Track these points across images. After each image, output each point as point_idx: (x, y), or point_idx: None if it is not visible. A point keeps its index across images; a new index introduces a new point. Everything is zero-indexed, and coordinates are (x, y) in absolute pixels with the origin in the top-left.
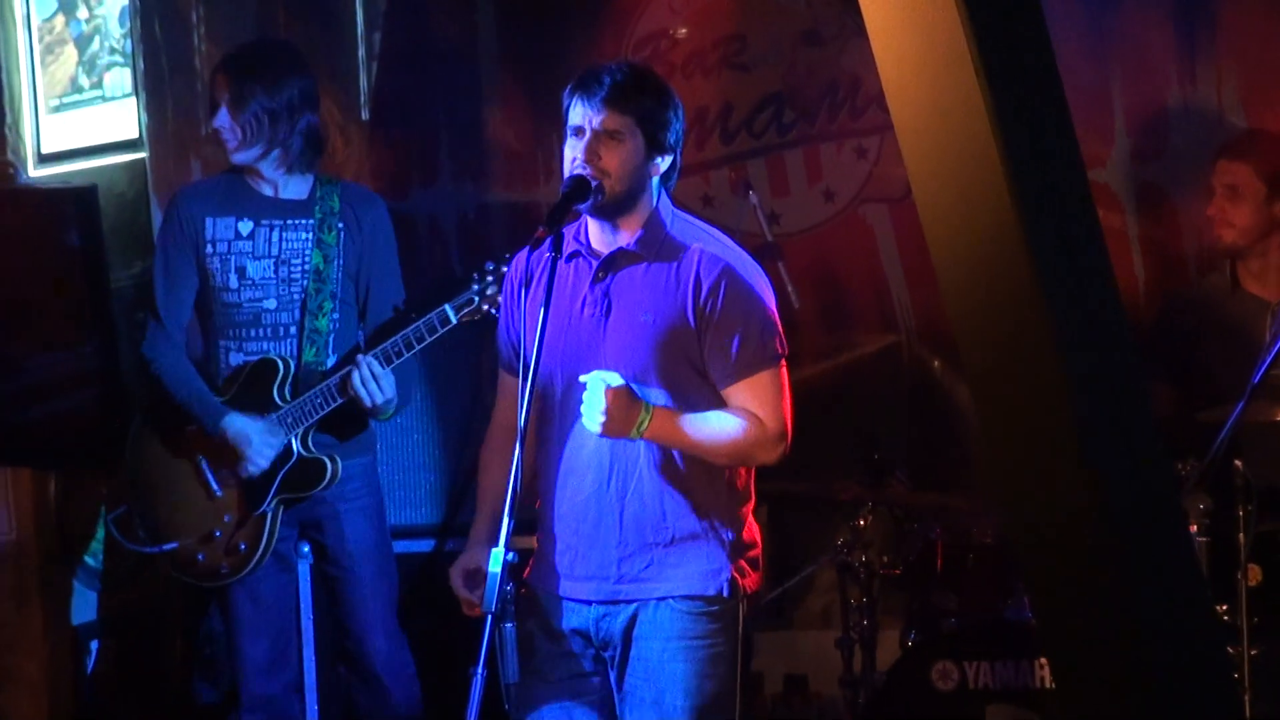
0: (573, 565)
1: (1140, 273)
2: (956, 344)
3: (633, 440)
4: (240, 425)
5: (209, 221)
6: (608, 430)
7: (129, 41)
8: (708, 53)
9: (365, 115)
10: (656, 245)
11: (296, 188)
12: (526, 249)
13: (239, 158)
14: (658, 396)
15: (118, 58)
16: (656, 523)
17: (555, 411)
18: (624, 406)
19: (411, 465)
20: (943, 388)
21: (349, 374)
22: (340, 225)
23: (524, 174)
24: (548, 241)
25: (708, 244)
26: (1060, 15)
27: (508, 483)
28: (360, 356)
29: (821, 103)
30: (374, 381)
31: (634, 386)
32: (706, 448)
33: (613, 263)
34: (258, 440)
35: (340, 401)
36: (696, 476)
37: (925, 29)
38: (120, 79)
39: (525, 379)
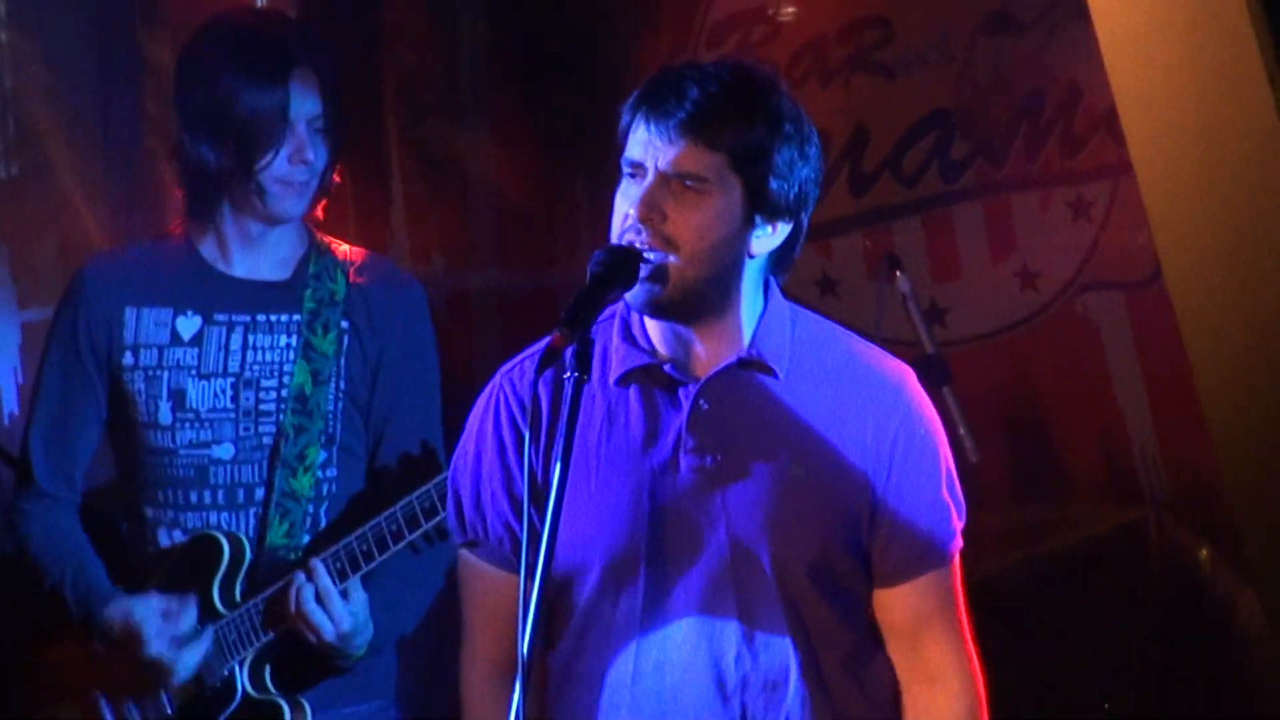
0: None
1: None
2: (1236, 522)
3: (781, 665)
4: (129, 607)
5: (130, 315)
6: None
7: None
8: (830, 47)
9: None
10: (785, 356)
11: (276, 256)
12: (527, 363)
13: (302, 206)
14: (814, 608)
15: None
16: None
17: (621, 628)
18: None
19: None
20: (1213, 593)
21: (283, 590)
22: (345, 324)
23: (531, 243)
24: (569, 354)
25: (865, 360)
26: None
27: None
28: (311, 561)
29: (1015, 128)
30: (314, 605)
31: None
32: None
33: (722, 384)
34: (153, 627)
35: (271, 635)
36: (865, 713)
37: (1185, 9)
38: None
39: (533, 579)
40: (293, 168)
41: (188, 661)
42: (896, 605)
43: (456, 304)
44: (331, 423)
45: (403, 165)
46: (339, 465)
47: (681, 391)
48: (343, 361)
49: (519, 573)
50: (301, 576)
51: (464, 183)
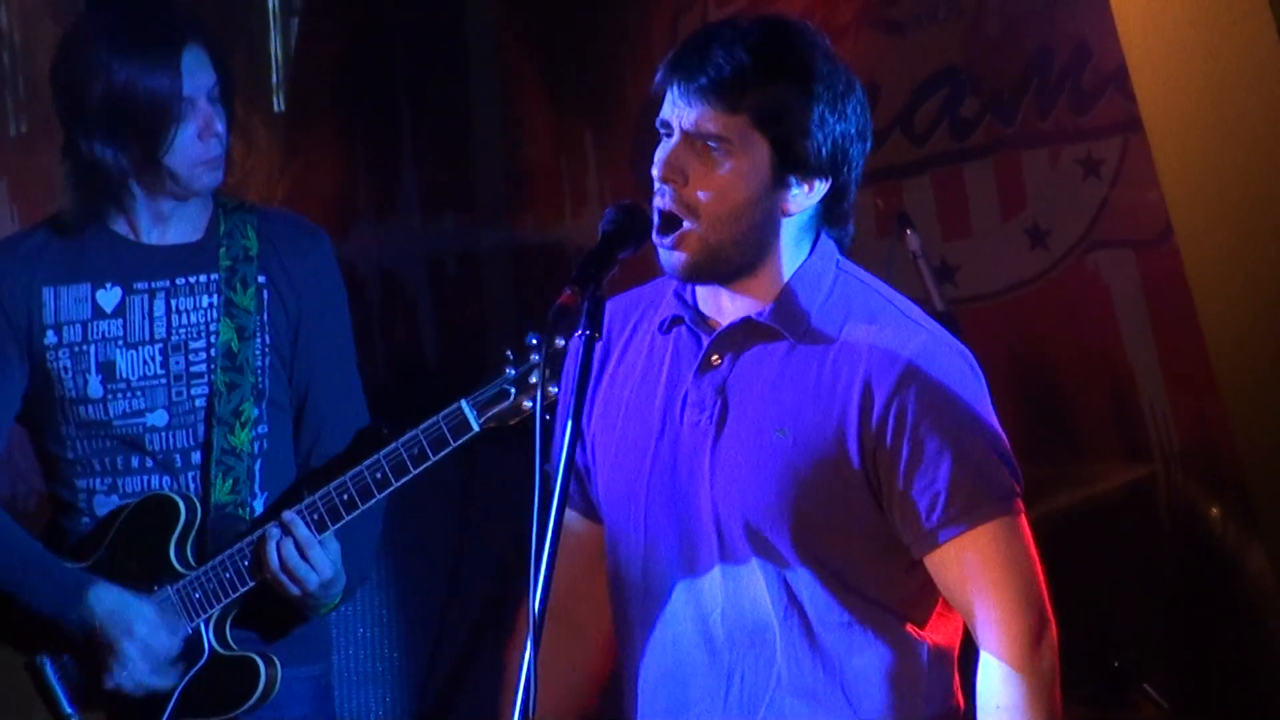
0: None
1: None
2: (1246, 479)
3: (763, 622)
4: (114, 601)
5: (47, 294)
6: None
7: None
8: (838, 3)
9: (279, 105)
10: (803, 319)
11: (185, 221)
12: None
13: (219, 176)
14: (794, 571)
15: None
16: None
17: (636, 580)
18: None
19: (355, 673)
20: (1223, 550)
21: (261, 543)
22: (262, 278)
23: (541, 199)
24: (582, 311)
25: (886, 324)
26: None
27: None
28: (284, 515)
29: (1026, 85)
30: (298, 557)
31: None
32: None
33: (732, 340)
34: (145, 628)
35: (251, 585)
36: (869, 685)
37: None
38: None
39: (547, 525)
40: (205, 144)
41: (159, 678)
42: (940, 571)
43: (467, 262)
44: (261, 378)
45: (412, 123)
46: (270, 421)
47: (704, 342)
48: (265, 317)
49: (579, 511)
50: (276, 530)
51: (473, 140)
